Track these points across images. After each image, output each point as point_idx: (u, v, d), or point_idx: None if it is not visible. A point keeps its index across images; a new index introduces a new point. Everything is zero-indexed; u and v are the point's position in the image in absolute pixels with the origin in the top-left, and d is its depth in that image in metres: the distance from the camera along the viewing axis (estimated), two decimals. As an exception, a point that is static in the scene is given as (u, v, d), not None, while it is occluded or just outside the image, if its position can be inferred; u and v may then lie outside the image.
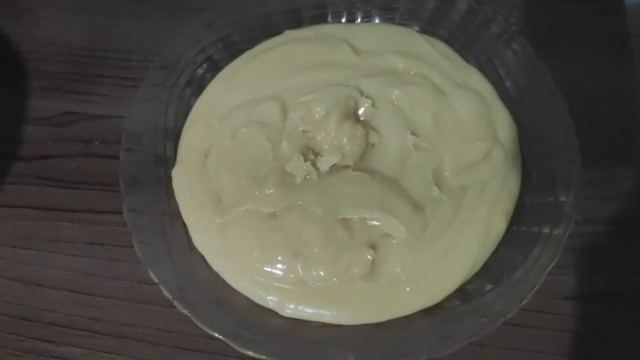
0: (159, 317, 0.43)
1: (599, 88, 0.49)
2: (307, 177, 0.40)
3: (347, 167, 0.40)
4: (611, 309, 0.41)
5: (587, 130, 0.39)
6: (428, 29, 0.48)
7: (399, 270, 0.37)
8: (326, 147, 0.40)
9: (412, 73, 0.45)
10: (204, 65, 0.47)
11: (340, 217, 0.38)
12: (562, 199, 0.38)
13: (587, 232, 0.43)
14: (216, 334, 0.35)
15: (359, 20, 0.49)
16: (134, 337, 0.43)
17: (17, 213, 0.48)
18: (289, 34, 0.48)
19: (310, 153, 0.41)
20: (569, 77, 0.48)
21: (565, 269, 0.42)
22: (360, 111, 0.43)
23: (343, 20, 0.49)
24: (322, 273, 0.37)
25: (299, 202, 0.39)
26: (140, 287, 0.44)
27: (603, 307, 0.41)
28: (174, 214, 0.41)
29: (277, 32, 0.48)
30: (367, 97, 0.43)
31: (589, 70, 0.50)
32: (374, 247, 0.38)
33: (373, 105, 0.43)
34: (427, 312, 0.38)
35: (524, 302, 0.34)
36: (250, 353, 0.34)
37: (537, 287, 0.35)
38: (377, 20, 0.49)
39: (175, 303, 0.36)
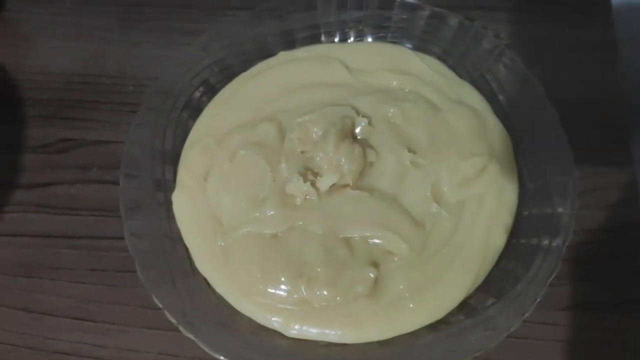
0: (164, 342, 0.43)
1: (589, 97, 0.49)
2: (307, 197, 0.40)
3: (346, 186, 0.41)
4: (611, 318, 0.41)
5: (579, 139, 0.40)
6: (421, 46, 0.48)
7: (401, 287, 0.37)
8: (325, 167, 0.40)
9: (406, 90, 0.45)
10: (201, 89, 0.47)
11: (341, 236, 0.39)
12: (560, 209, 0.38)
13: (584, 241, 0.43)
14: (222, 357, 0.35)
15: (351, 39, 0.49)
16: (139, 362, 0.43)
17: (17, 241, 0.48)
18: (283, 56, 0.48)
19: (309, 173, 0.41)
20: (560, 88, 0.48)
21: (564, 280, 0.42)
22: (357, 130, 0.43)
23: (336, 40, 0.49)
24: (325, 293, 0.37)
25: (300, 223, 0.39)
26: (144, 311, 0.44)
27: (603, 316, 0.42)
28: (176, 238, 0.41)
29: (271, 54, 0.48)
30: (363, 115, 0.43)
31: (579, 80, 0.50)
32: (375, 265, 0.38)
33: (369, 123, 0.43)
34: (432, 327, 0.38)
35: (527, 315, 0.35)
36: (256, 375, 0.34)
37: (538, 299, 0.35)
38: (369, 39, 0.49)
39: (180, 328, 0.36)
